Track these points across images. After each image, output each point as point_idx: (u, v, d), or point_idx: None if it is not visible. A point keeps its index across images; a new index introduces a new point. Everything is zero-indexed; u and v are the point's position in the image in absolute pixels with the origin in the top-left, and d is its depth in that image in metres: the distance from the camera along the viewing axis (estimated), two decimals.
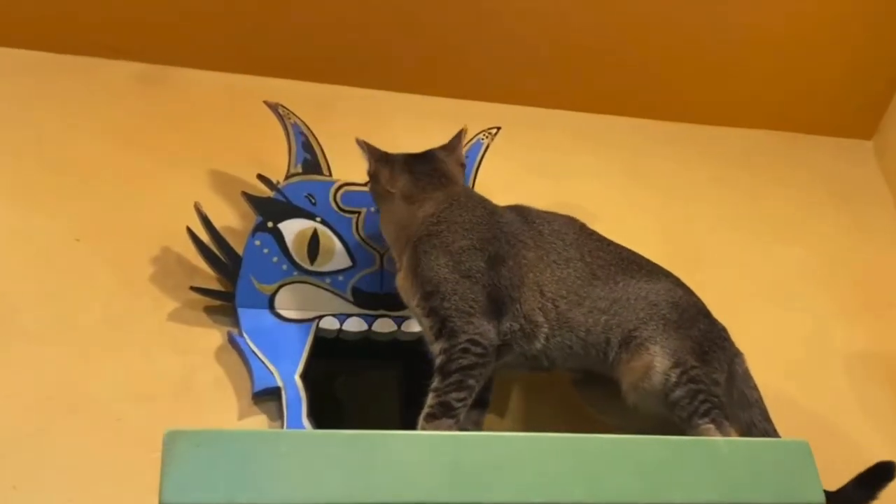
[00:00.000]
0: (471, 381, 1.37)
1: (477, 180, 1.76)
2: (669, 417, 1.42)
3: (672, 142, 2.16)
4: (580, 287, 1.47)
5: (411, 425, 1.68)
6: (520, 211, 1.55)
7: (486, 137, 1.79)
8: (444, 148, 1.61)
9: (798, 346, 1.93)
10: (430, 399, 1.37)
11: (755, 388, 1.53)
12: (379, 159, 1.57)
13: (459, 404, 1.36)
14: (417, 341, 1.64)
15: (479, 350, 1.39)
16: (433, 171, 1.55)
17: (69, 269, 1.61)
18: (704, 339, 1.47)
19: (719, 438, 1.35)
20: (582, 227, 1.57)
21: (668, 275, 1.55)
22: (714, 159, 2.18)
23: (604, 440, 1.25)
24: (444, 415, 1.35)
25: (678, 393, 1.40)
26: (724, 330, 1.53)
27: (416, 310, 1.47)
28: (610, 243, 1.56)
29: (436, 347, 1.42)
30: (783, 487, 1.24)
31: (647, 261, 1.56)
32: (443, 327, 1.41)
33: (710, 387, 1.42)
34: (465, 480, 1.13)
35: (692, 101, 2.19)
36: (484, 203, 1.53)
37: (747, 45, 2.08)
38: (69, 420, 1.46)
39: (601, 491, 1.17)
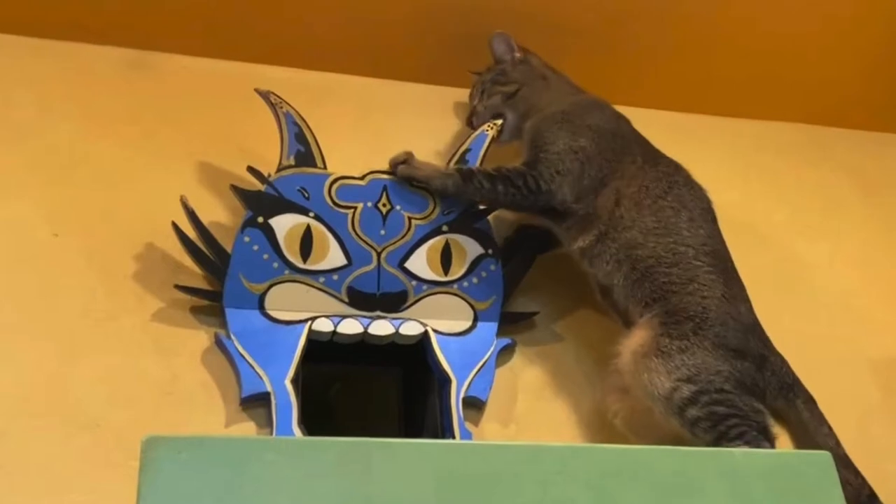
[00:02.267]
0: (500, 187, 1.64)
1: None
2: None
3: (692, 134, 2.16)
4: (653, 223, 1.61)
5: (410, 434, 1.70)
6: (652, 146, 1.77)
7: (491, 128, 1.80)
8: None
9: (822, 350, 1.91)
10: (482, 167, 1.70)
11: (829, 434, 1.56)
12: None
13: (484, 180, 1.64)
14: (416, 345, 1.65)
15: (532, 185, 1.64)
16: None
17: (46, 265, 1.61)
18: (747, 374, 1.50)
19: (735, 449, 1.35)
20: (708, 207, 1.69)
21: (747, 299, 1.62)
22: (736, 152, 2.19)
23: (611, 450, 1.24)
24: (465, 177, 1.65)
25: (694, 412, 1.43)
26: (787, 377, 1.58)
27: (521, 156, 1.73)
28: (717, 232, 1.67)
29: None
30: (804, 502, 1.23)
31: (739, 278, 1.63)
32: (533, 161, 1.68)
33: (747, 412, 1.44)
34: (463, 492, 1.12)
35: (714, 93, 2.19)
36: (618, 115, 1.80)
37: (773, 35, 2.08)
38: (45, 425, 1.45)
39: None
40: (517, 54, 1.87)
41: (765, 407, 1.48)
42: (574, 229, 1.66)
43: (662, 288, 1.56)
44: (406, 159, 1.68)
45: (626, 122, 1.80)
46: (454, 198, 1.69)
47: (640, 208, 1.63)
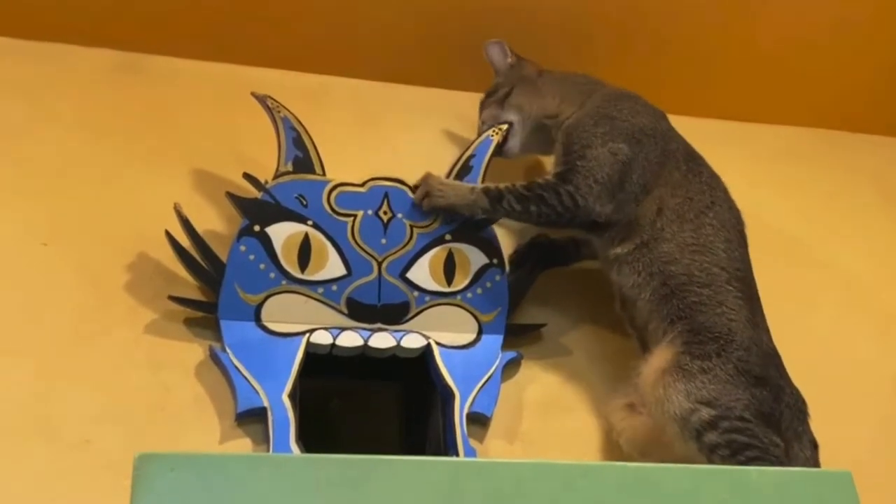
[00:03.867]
0: (532, 207, 1.61)
1: (487, 177, 1.77)
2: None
3: (708, 139, 2.15)
4: (692, 238, 1.60)
5: (411, 450, 1.70)
6: (690, 146, 1.75)
7: (496, 134, 1.81)
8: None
9: (841, 366, 1.92)
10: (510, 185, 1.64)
11: None
12: None
13: (515, 202, 1.61)
14: (418, 358, 1.65)
15: (567, 203, 1.60)
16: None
17: (35, 276, 1.61)
18: (766, 403, 1.49)
19: (751, 468, 1.35)
20: (742, 231, 1.68)
21: (768, 330, 1.62)
22: (752, 158, 2.20)
23: (622, 468, 1.24)
24: (494, 199, 1.62)
25: (713, 438, 1.42)
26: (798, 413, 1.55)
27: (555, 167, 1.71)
28: (748, 256, 1.66)
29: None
30: None
31: (762, 308, 1.63)
32: (568, 171, 1.63)
33: (767, 446, 1.44)
34: None
35: (730, 97, 2.20)
36: (655, 110, 1.77)
37: (791, 37, 2.09)
38: (33, 442, 1.46)
39: None
40: (510, 60, 1.87)
41: (782, 440, 1.47)
42: (616, 238, 1.64)
43: (691, 307, 1.55)
44: (427, 192, 1.66)
45: (663, 116, 1.78)
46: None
47: (683, 222, 1.62)
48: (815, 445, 1.53)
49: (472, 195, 1.65)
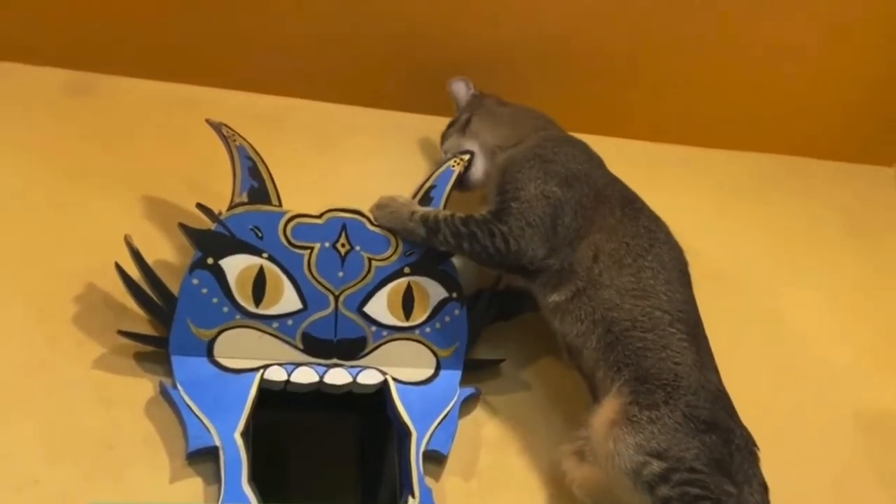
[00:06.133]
0: (465, 245, 1.68)
1: (448, 206, 1.81)
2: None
3: (675, 165, 2.23)
4: (631, 283, 1.65)
5: (367, 487, 1.75)
6: (630, 192, 1.80)
7: (457, 164, 1.85)
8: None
9: (807, 402, 1.98)
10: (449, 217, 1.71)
11: None
12: None
13: (450, 236, 1.68)
14: (375, 394, 1.69)
15: (499, 245, 1.66)
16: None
17: None
18: (716, 449, 1.54)
19: None
20: (685, 269, 1.73)
21: (716, 369, 1.67)
22: (720, 186, 2.25)
23: None
24: (430, 231, 1.70)
25: (665, 492, 1.47)
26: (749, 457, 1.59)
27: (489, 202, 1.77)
28: (692, 296, 1.71)
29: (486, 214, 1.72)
30: None
31: (709, 346, 1.68)
32: (501, 211, 1.69)
33: (719, 496, 1.49)
34: None
35: (697, 123, 2.25)
36: (592, 155, 1.84)
37: (761, 64, 2.13)
38: None
39: None
40: (472, 91, 1.94)
41: (734, 487, 1.52)
42: (549, 285, 1.69)
43: (636, 353, 1.60)
44: (375, 209, 1.74)
45: (601, 163, 1.83)
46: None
47: (620, 266, 1.66)
48: (765, 488, 1.58)
49: (410, 222, 1.72)
